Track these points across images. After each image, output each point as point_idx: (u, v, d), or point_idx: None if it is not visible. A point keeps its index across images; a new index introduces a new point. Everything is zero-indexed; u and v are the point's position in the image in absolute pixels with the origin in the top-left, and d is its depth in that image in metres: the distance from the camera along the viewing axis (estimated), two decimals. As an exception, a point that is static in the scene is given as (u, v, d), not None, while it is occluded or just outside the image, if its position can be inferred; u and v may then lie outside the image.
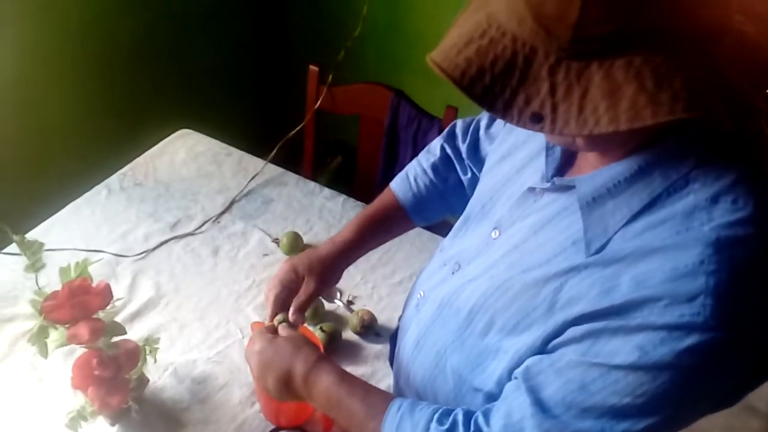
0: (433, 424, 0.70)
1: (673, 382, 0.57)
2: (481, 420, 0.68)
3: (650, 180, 0.61)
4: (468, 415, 0.70)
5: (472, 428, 0.68)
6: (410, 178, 1.06)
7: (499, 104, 0.53)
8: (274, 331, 0.90)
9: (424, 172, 1.06)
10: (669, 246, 0.57)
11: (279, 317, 0.92)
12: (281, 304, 0.93)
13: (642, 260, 0.59)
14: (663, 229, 0.59)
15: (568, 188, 0.68)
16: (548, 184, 0.71)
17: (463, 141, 1.04)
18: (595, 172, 0.65)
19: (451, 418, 0.70)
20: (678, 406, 0.59)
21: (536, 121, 0.52)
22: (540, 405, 0.63)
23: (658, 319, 0.56)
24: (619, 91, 0.50)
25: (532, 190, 0.75)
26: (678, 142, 0.60)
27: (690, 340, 0.55)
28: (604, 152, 0.65)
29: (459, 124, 1.07)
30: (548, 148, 0.74)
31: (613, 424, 0.59)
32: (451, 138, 1.07)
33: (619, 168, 0.62)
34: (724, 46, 0.52)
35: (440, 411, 0.72)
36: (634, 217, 0.61)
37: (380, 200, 1.07)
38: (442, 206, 1.07)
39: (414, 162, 1.09)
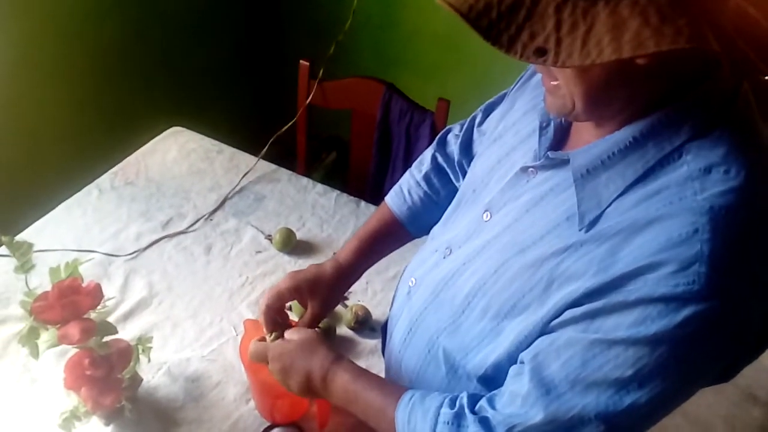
0: (444, 409, 0.71)
1: (672, 352, 0.58)
2: (485, 404, 0.69)
3: (644, 152, 0.61)
4: (475, 398, 0.71)
5: (478, 414, 0.69)
6: (404, 191, 1.06)
7: (504, 39, 0.54)
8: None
9: (418, 184, 1.06)
10: (663, 216, 0.58)
11: (274, 336, 0.91)
12: (272, 318, 0.93)
13: (637, 234, 0.59)
14: (657, 200, 0.59)
15: (562, 164, 0.68)
16: (541, 161, 0.72)
17: (455, 142, 1.04)
18: (589, 145, 0.65)
19: (458, 403, 0.71)
20: (679, 376, 0.60)
21: (540, 54, 0.53)
22: (544, 386, 0.64)
23: (654, 290, 0.57)
24: (623, 25, 0.51)
25: (524, 169, 0.75)
26: (671, 112, 0.61)
27: (686, 311, 0.56)
28: (599, 121, 0.65)
29: (452, 130, 1.07)
30: (542, 128, 0.74)
31: (617, 399, 0.60)
32: (442, 145, 1.07)
33: (614, 140, 0.63)
34: (726, 10, 0.54)
35: (450, 397, 0.73)
36: (628, 188, 0.62)
37: (377, 216, 1.07)
38: (438, 216, 1.06)
39: (407, 174, 1.09)
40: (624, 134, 0.62)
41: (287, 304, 0.99)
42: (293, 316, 1.17)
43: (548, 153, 0.71)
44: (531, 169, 0.74)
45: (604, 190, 0.63)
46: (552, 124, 0.74)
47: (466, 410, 0.70)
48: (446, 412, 0.71)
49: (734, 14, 0.55)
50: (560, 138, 0.74)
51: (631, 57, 0.51)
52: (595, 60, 0.52)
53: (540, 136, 0.75)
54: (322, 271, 0.99)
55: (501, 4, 0.54)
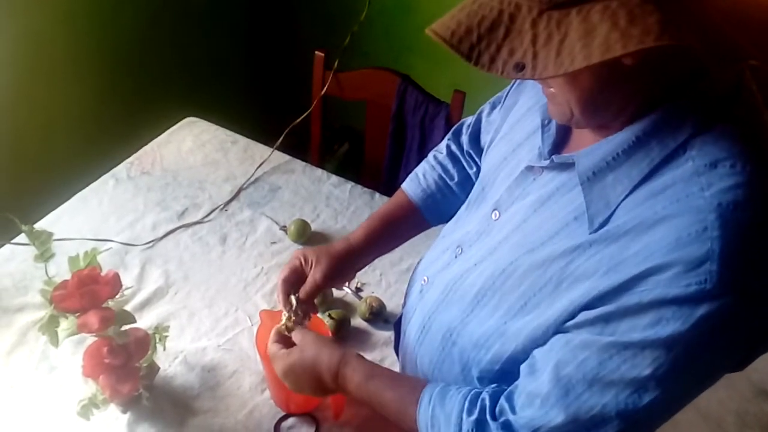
0: (464, 416, 0.71)
1: (688, 352, 0.57)
2: (506, 407, 0.69)
3: (648, 150, 0.61)
4: (494, 398, 0.71)
5: (499, 418, 0.69)
6: (419, 176, 1.07)
7: (485, 58, 0.56)
8: (285, 339, 0.90)
9: (432, 168, 1.06)
10: (671, 215, 0.58)
11: (286, 317, 0.91)
12: (289, 287, 0.94)
13: (645, 232, 0.59)
14: (664, 197, 0.59)
15: (567, 165, 0.68)
16: (546, 162, 0.71)
17: (466, 132, 1.05)
18: (593, 146, 0.65)
19: (479, 406, 0.71)
20: (696, 373, 0.60)
21: (519, 69, 0.55)
22: (562, 387, 0.63)
23: (666, 292, 0.57)
24: (594, 31, 0.52)
25: (530, 168, 0.75)
26: (672, 109, 0.60)
27: (701, 311, 0.56)
28: (601, 125, 0.66)
29: (466, 121, 1.08)
30: (544, 126, 0.75)
31: (636, 397, 0.60)
32: (457, 135, 1.08)
33: (617, 140, 0.63)
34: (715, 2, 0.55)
35: (469, 398, 0.72)
36: (635, 187, 0.62)
37: (393, 200, 1.07)
38: (453, 202, 1.06)
39: (423, 162, 1.10)
40: (627, 134, 0.62)
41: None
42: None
43: (553, 157, 0.70)
44: (536, 168, 0.74)
45: (611, 191, 0.63)
46: (553, 121, 0.74)
47: (488, 416, 0.69)
48: (468, 420, 0.70)
49: (728, 1, 0.56)
50: (563, 135, 0.75)
51: (602, 61, 0.51)
52: (567, 69, 0.53)
53: (543, 133, 0.75)
54: (330, 245, 1.01)
55: (480, 25, 0.56)
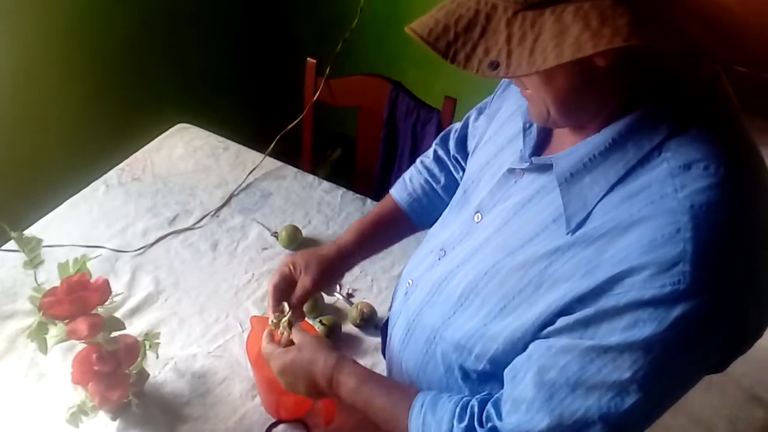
0: (455, 422, 0.72)
1: (666, 354, 0.58)
2: (492, 413, 0.70)
3: (624, 152, 0.62)
4: (482, 405, 0.72)
5: (486, 425, 0.70)
6: (406, 180, 1.09)
7: (461, 57, 0.57)
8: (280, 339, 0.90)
9: (419, 172, 1.08)
10: (645, 217, 0.59)
11: (274, 317, 0.91)
12: (280, 294, 0.95)
13: (621, 235, 0.60)
14: (639, 199, 0.60)
15: (546, 167, 0.69)
16: (526, 164, 0.73)
17: (454, 137, 1.07)
18: (571, 148, 0.66)
19: (468, 413, 0.72)
20: (676, 374, 0.61)
21: (493, 68, 0.56)
22: (546, 391, 0.64)
23: (642, 293, 0.57)
24: (566, 31, 0.54)
25: (511, 171, 0.76)
26: (648, 111, 0.61)
27: (677, 311, 0.56)
28: (578, 125, 0.67)
29: (453, 128, 1.09)
30: (525, 129, 0.76)
31: (619, 400, 0.60)
32: (444, 140, 1.09)
33: (594, 142, 0.64)
34: (684, 2, 0.56)
35: (460, 405, 0.73)
36: (612, 188, 0.62)
37: (380, 204, 1.09)
38: (440, 206, 1.07)
39: (411, 167, 1.12)
40: (604, 136, 0.63)
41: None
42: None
43: (532, 159, 0.72)
44: (517, 170, 0.75)
45: (588, 192, 0.64)
46: (534, 125, 0.75)
47: (476, 422, 0.70)
48: (458, 427, 0.71)
49: (697, 5, 0.56)
50: (544, 138, 0.76)
51: (576, 61, 0.52)
52: (540, 67, 0.54)
53: (524, 136, 0.76)
54: (319, 250, 1.01)
55: (457, 24, 0.57)
